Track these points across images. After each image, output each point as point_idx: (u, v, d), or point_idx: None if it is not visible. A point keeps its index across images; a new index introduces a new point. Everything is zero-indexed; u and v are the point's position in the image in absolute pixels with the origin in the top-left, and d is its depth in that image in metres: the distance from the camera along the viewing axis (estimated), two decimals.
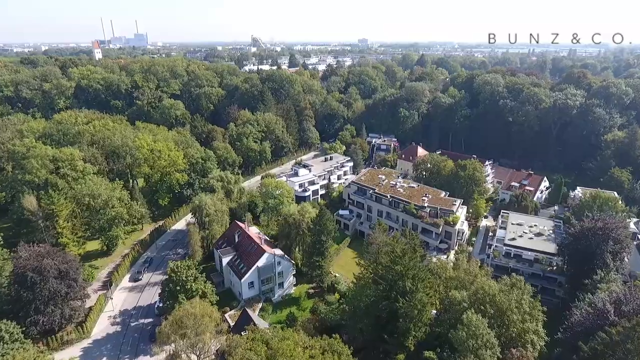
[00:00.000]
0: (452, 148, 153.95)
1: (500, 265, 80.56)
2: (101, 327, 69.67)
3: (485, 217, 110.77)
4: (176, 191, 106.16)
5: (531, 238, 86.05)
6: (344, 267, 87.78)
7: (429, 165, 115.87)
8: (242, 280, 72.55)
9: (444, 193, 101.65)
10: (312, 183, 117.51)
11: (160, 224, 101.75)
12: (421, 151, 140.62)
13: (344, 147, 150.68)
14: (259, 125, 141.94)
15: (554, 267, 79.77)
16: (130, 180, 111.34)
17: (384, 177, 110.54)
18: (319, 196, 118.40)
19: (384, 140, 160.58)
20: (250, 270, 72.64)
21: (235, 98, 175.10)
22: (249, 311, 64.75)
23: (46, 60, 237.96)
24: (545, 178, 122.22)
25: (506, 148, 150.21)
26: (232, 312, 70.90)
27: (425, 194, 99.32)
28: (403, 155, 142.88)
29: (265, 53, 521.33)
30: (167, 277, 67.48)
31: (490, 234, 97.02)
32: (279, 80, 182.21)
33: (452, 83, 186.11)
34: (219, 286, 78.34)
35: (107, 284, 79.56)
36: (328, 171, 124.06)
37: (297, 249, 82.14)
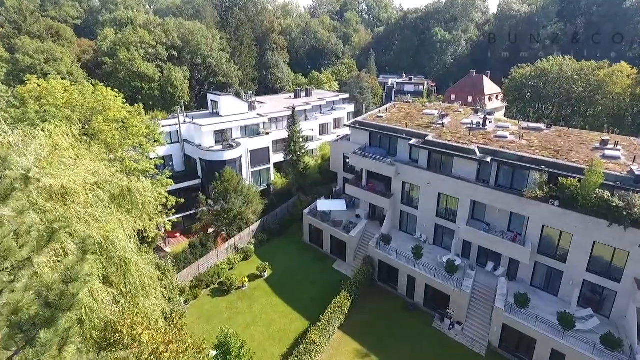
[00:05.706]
0: None
1: None
2: None
3: None
4: None
5: None
6: None
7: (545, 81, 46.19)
8: None
9: (638, 139, 31.90)
10: (254, 133, 47.13)
11: None
12: (489, 84, 71.11)
13: (336, 85, 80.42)
14: (166, 35, 71.04)
15: None
16: None
17: (438, 113, 40.29)
18: (270, 164, 48.03)
19: (410, 79, 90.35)
20: None
21: None
22: None
23: None
24: None
25: None
26: None
27: (601, 143, 29.43)
28: (454, 96, 72.88)
29: None
30: None
31: None
32: None
33: None
34: None
35: None
36: (301, 111, 52.90)
37: None
